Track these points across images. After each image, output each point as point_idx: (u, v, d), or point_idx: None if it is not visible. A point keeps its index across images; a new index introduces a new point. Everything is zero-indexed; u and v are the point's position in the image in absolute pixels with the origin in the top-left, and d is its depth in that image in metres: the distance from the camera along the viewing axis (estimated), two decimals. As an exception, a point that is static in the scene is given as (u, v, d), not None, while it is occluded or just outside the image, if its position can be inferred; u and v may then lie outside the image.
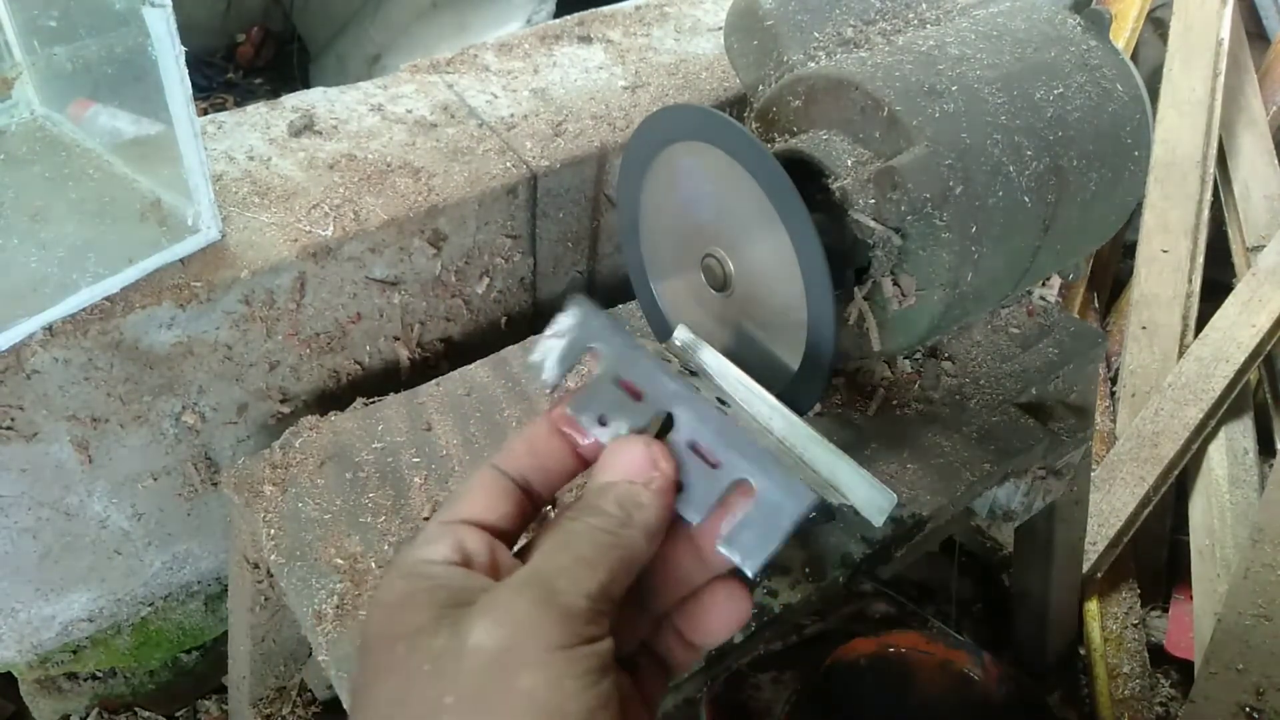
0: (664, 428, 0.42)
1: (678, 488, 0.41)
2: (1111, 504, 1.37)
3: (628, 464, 0.40)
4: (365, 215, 0.92)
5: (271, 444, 0.83)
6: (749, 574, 0.40)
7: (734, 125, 0.68)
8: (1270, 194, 1.58)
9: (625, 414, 0.42)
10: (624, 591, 0.38)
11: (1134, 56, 1.69)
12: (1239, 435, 1.46)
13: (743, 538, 0.40)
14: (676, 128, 0.73)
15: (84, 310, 0.80)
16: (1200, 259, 1.54)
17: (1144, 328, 1.54)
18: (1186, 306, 1.53)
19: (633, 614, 0.42)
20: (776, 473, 0.40)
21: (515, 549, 0.42)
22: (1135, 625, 1.38)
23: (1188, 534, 1.43)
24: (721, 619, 0.42)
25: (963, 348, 0.95)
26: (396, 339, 1.01)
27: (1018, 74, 0.75)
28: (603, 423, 0.43)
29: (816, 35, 0.79)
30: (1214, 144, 1.56)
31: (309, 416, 0.85)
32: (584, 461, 0.43)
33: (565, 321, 0.45)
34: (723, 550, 0.40)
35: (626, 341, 0.44)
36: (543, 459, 0.43)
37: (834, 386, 0.89)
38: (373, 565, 0.74)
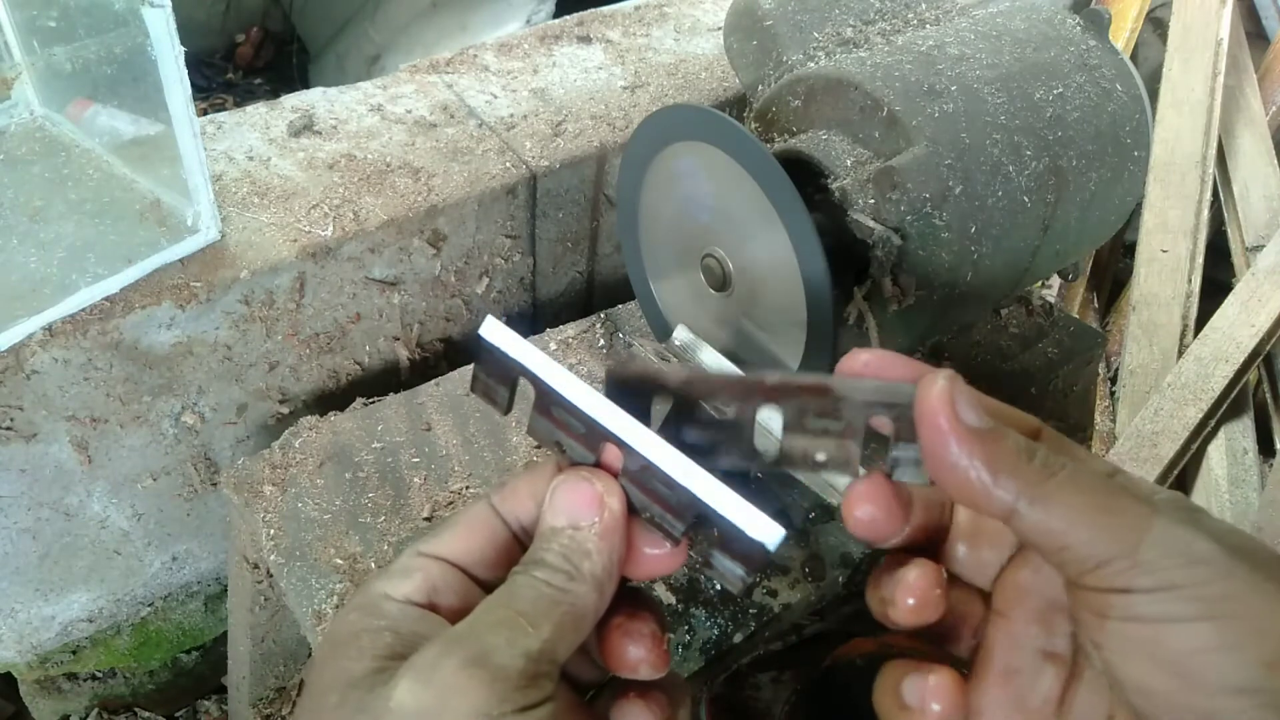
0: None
1: (648, 519, 0.37)
2: (1111, 504, 1.37)
3: (571, 505, 0.37)
4: (365, 215, 0.92)
5: (271, 444, 0.83)
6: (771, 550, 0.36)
7: (734, 125, 0.68)
8: (1270, 194, 1.58)
9: (575, 438, 0.38)
10: (572, 650, 0.35)
11: (1133, 56, 1.69)
12: (1239, 435, 1.46)
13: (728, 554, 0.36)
14: (676, 128, 0.73)
15: (83, 310, 0.80)
16: (1200, 259, 1.54)
17: (1143, 328, 1.54)
18: (1186, 306, 1.53)
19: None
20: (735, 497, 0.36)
21: None
22: (1135, 624, 1.37)
23: (1188, 534, 1.43)
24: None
25: (962, 348, 0.95)
26: (396, 339, 1.01)
27: (1017, 74, 0.75)
28: (561, 449, 0.39)
29: (816, 35, 0.79)
30: (1213, 144, 1.56)
31: (309, 417, 0.85)
32: None
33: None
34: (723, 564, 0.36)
35: (546, 360, 0.38)
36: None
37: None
38: (372, 565, 0.74)
